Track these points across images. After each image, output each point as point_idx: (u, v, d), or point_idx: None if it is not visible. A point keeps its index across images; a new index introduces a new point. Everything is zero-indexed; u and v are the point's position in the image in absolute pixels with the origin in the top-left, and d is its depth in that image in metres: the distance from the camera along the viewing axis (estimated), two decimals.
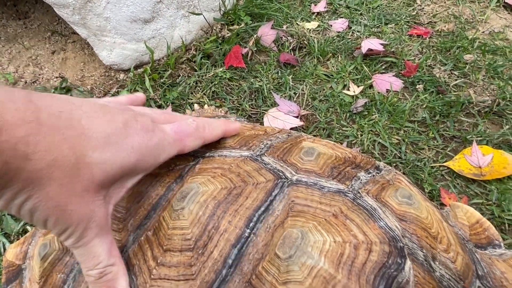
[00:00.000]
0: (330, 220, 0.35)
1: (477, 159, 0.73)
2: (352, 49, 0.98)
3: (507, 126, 0.78)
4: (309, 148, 0.46)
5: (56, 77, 0.95)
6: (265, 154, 0.47)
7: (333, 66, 0.95)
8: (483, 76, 0.88)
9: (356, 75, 0.92)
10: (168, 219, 0.37)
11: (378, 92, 0.87)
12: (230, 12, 1.08)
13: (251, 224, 0.36)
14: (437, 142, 0.78)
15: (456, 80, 0.88)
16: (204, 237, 0.36)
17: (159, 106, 0.89)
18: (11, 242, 0.70)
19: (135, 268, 0.38)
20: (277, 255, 0.32)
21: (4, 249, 0.70)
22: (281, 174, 0.42)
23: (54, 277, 0.43)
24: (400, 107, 0.83)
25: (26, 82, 0.97)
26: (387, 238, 0.35)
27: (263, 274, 0.32)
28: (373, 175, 0.45)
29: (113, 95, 0.91)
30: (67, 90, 0.90)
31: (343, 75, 0.91)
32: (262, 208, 0.37)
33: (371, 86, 0.89)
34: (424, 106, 0.84)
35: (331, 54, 0.98)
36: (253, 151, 0.48)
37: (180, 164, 0.45)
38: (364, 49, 0.94)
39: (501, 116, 0.80)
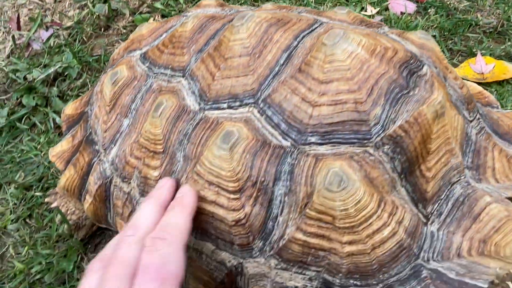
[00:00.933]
0: (364, 34, 0.43)
1: (480, 66, 0.81)
2: None
3: (509, 42, 0.86)
4: (341, 7, 0.53)
5: None
6: (303, 12, 0.54)
7: None
8: (490, 2, 0.95)
9: None
10: (229, 35, 0.45)
11: (393, 13, 0.94)
12: None
13: (298, 39, 0.44)
14: (445, 54, 0.86)
15: (464, 4, 0.95)
16: (260, 46, 0.44)
17: None
18: (60, 118, 0.78)
19: (198, 77, 0.46)
20: (323, 43, 0.40)
21: (55, 123, 0.78)
22: (318, 19, 0.50)
23: (123, 99, 0.52)
24: (412, 25, 0.90)
25: None
26: (409, 51, 0.43)
27: (311, 60, 0.40)
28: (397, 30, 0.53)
29: (148, 6, 0.97)
30: (105, 0, 0.97)
31: None
32: (306, 31, 0.45)
33: (386, 9, 0.96)
34: (434, 26, 0.91)
35: None
36: (291, 11, 0.55)
37: (231, 15, 0.53)
38: None
39: (504, 36, 0.88)
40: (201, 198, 0.40)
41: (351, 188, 0.35)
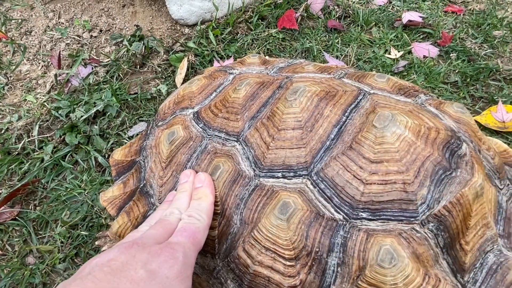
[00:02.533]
0: (407, 112, 0.47)
1: (502, 115, 0.85)
2: (393, 20, 1.10)
3: None
4: (380, 73, 0.58)
5: (129, 27, 1.07)
6: (344, 77, 0.59)
7: (376, 34, 1.06)
8: (510, 49, 0.99)
9: (397, 42, 1.03)
10: (282, 107, 0.50)
11: (416, 57, 0.98)
12: None
13: (346, 114, 0.48)
14: (467, 100, 0.90)
15: (485, 51, 0.99)
16: (312, 120, 0.48)
17: (221, 57, 1.01)
18: (103, 156, 0.83)
19: (253, 145, 0.50)
20: (374, 125, 0.44)
21: (96, 161, 0.82)
22: (361, 88, 0.54)
23: (179, 157, 0.56)
24: (435, 70, 0.95)
25: (101, 30, 1.09)
26: (449, 128, 0.47)
27: (362, 139, 0.44)
28: (431, 96, 0.57)
29: (181, 45, 1.02)
30: (141, 38, 1.02)
31: (385, 41, 1.03)
32: (353, 105, 0.50)
33: (409, 52, 1.00)
34: (456, 71, 0.95)
35: (374, 23, 1.09)
36: (333, 75, 0.60)
37: (277, 79, 0.57)
38: (404, 20, 1.06)
39: None
40: (258, 262, 0.44)
41: (401, 265, 0.39)
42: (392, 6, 1.16)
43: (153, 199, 0.57)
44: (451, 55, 0.99)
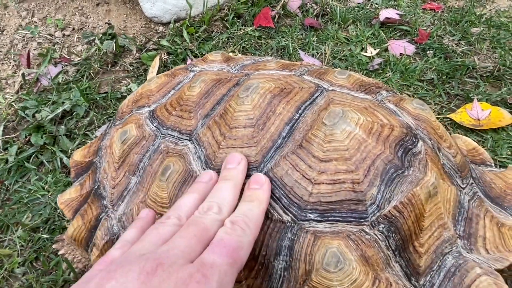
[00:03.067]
0: (361, 109, 0.46)
1: (477, 113, 0.84)
2: (371, 18, 1.08)
3: (505, 88, 0.88)
4: (342, 70, 0.56)
5: (102, 25, 1.05)
6: (305, 74, 0.57)
7: (353, 31, 1.05)
8: (487, 46, 0.98)
9: (373, 40, 1.02)
10: (234, 105, 0.48)
11: (392, 54, 0.97)
12: None
13: (299, 111, 0.47)
14: (443, 98, 0.88)
15: (462, 48, 0.98)
16: (264, 118, 0.46)
17: (195, 56, 0.99)
18: (68, 157, 0.81)
19: (204, 143, 0.49)
20: (323, 123, 0.42)
21: (62, 162, 0.80)
22: (319, 85, 0.52)
23: (131, 157, 0.54)
24: (411, 68, 0.93)
25: (74, 29, 1.07)
26: (405, 125, 0.46)
27: (312, 137, 0.42)
28: (394, 93, 0.55)
29: (154, 44, 1.00)
30: (113, 37, 1.00)
31: (362, 39, 1.01)
32: (308, 102, 0.48)
33: (386, 50, 0.99)
34: (432, 68, 0.94)
35: (351, 21, 1.07)
36: (294, 72, 0.58)
37: (236, 76, 0.56)
38: (382, 17, 1.04)
39: (501, 80, 0.91)
40: None
41: (348, 268, 0.37)
42: (371, 4, 1.15)
43: (106, 201, 0.55)
44: (427, 52, 0.98)
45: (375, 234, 0.40)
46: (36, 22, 1.09)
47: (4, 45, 1.05)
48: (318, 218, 0.40)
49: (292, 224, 0.41)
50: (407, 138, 0.44)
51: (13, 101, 0.91)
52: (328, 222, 0.40)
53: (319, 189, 0.40)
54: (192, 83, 0.54)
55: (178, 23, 1.06)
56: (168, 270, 0.30)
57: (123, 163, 0.55)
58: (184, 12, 1.06)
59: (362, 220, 0.40)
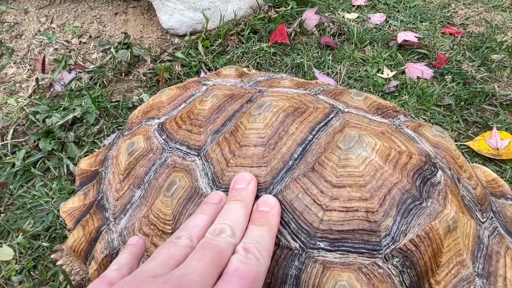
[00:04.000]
0: (378, 134, 0.44)
1: (496, 141, 0.81)
2: (388, 39, 1.07)
3: None
4: (358, 92, 0.54)
5: (119, 34, 1.06)
6: (320, 94, 0.55)
7: (370, 52, 1.03)
8: (508, 74, 0.96)
9: (390, 61, 1.00)
10: (246, 122, 0.46)
11: (409, 77, 0.95)
12: None
13: (313, 132, 0.45)
14: (460, 125, 0.86)
15: (482, 74, 0.95)
16: (275, 137, 0.44)
17: (209, 69, 0.99)
18: (75, 164, 0.80)
19: (213, 160, 0.47)
20: (338, 146, 0.40)
21: (68, 169, 0.79)
22: (335, 105, 0.50)
23: (137, 170, 0.52)
24: (428, 92, 0.91)
25: (90, 37, 1.07)
26: (424, 153, 0.43)
27: (325, 161, 0.40)
28: (412, 117, 0.53)
29: (169, 55, 1.00)
30: (128, 46, 1.00)
31: (378, 61, 1.00)
32: (322, 123, 0.46)
33: (403, 72, 0.97)
34: (450, 94, 0.91)
35: (368, 42, 1.06)
36: (309, 91, 0.56)
37: (249, 93, 0.54)
38: (400, 39, 1.03)
39: None
40: None
41: None
42: (389, 26, 1.14)
43: (108, 213, 0.53)
44: (446, 77, 0.95)
45: (389, 269, 0.37)
46: (54, 28, 1.10)
47: (21, 49, 1.06)
48: (328, 247, 0.38)
49: (300, 252, 0.38)
50: (426, 167, 0.42)
51: (25, 105, 0.91)
52: (338, 252, 0.38)
53: (331, 216, 0.38)
54: (204, 97, 0.53)
55: (194, 36, 1.06)
56: None
57: (129, 175, 0.53)
58: (200, 25, 1.06)
59: (375, 252, 0.37)
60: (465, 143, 0.81)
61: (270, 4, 1.16)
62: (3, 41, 1.08)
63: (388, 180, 0.39)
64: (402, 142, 0.44)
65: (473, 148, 0.81)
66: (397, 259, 0.37)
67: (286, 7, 1.14)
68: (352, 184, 0.39)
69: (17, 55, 1.04)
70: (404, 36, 1.03)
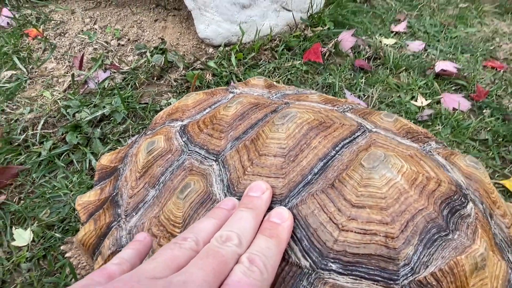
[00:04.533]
0: (406, 157, 0.41)
1: None
2: (425, 68, 1.04)
3: None
4: (388, 113, 0.52)
5: (156, 40, 1.08)
6: (348, 111, 0.53)
7: (405, 79, 1.00)
8: None
9: (425, 90, 0.97)
10: (268, 131, 0.45)
11: (445, 108, 0.91)
12: (315, 15, 1.17)
13: (336, 148, 0.43)
14: (496, 162, 0.81)
15: None
16: (297, 149, 0.43)
17: (239, 81, 0.99)
18: (96, 160, 0.81)
19: (230, 167, 0.46)
20: (361, 164, 0.38)
21: (90, 164, 0.80)
22: (362, 124, 0.48)
23: (154, 169, 0.52)
24: (464, 124, 0.87)
25: (129, 40, 1.10)
26: (454, 182, 0.40)
27: (346, 179, 0.38)
28: (444, 145, 0.50)
29: (201, 63, 1.01)
30: (163, 52, 1.02)
31: (413, 88, 0.97)
32: (347, 140, 0.44)
33: (438, 102, 0.93)
34: (488, 129, 0.87)
35: (404, 68, 1.03)
36: (337, 107, 0.55)
37: (275, 103, 0.53)
38: (437, 68, 0.99)
39: None
40: None
41: None
42: (427, 54, 1.11)
43: (120, 210, 0.53)
44: (484, 111, 0.91)
45: None
46: (96, 29, 1.14)
47: (63, 46, 1.10)
48: (340, 270, 0.35)
49: (310, 272, 0.36)
50: (455, 197, 0.39)
51: (58, 99, 0.93)
52: (351, 277, 0.35)
53: (346, 237, 0.36)
54: (228, 104, 0.52)
55: (228, 47, 1.07)
56: None
57: (145, 173, 0.53)
58: (236, 37, 1.07)
59: (392, 282, 0.34)
60: (500, 182, 0.76)
61: (307, 24, 1.16)
62: (48, 37, 1.13)
63: (412, 205, 0.36)
64: (432, 168, 0.41)
65: (508, 188, 0.76)
66: None
67: (323, 27, 1.14)
68: (373, 206, 0.36)
69: (59, 52, 1.08)
70: (442, 65, 1.00)
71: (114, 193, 0.56)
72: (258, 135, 0.46)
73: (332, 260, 0.35)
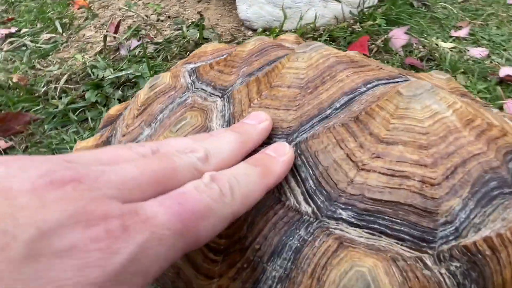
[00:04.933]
0: (462, 100, 0.31)
1: None
2: (487, 73, 0.91)
3: None
4: (441, 71, 0.42)
5: (195, 18, 1.05)
6: (389, 67, 0.44)
7: (462, 81, 0.89)
8: None
9: (486, 94, 0.84)
10: (285, 61, 0.37)
11: (509, 115, 0.78)
12: (367, 11, 1.09)
13: (369, 85, 0.34)
14: None
15: None
16: (317, 81, 0.34)
17: None
18: None
19: (235, 101, 0.38)
20: (399, 92, 0.29)
21: None
22: (406, 76, 0.39)
23: (153, 106, 0.45)
24: None
25: (169, 17, 1.08)
26: None
27: (376, 110, 0.29)
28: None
29: (238, 43, 0.96)
30: (202, 28, 0.98)
31: (471, 91, 0.85)
32: (383, 81, 0.35)
33: (501, 108, 0.80)
34: None
35: (462, 71, 0.92)
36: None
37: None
38: (502, 73, 0.87)
39: None
40: None
41: None
42: (491, 61, 0.98)
43: None
44: None
45: (441, 274, 0.23)
46: (139, 4, 1.14)
47: (104, 17, 1.10)
48: (353, 220, 0.26)
49: (311, 220, 0.27)
50: None
51: (88, 61, 0.91)
52: (366, 230, 0.25)
53: (367, 178, 0.26)
54: (247, 41, 0.45)
55: (268, 32, 1.01)
56: (82, 194, 0.18)
57: (144, 111, 0.46)
58: (277, 22, 1.01)
59: (425, 244, 0.24)
60: None
61: (356, 18, 1.08)
62: (92, 8, 1.14)
63: (465, 148, 0.26)
64: (495, 118, 0.31)
65: None
66: (458, 264, 0.24)
67: (373, 22, 1.05)
68: (408, 142, 0.27)
69: (99, 21, 1.08)
70: (507, 70, 0.87)
71: (110, 135, 0.50)
72: (274, 67, 0.38)
73: (343, 206, 0.26)
